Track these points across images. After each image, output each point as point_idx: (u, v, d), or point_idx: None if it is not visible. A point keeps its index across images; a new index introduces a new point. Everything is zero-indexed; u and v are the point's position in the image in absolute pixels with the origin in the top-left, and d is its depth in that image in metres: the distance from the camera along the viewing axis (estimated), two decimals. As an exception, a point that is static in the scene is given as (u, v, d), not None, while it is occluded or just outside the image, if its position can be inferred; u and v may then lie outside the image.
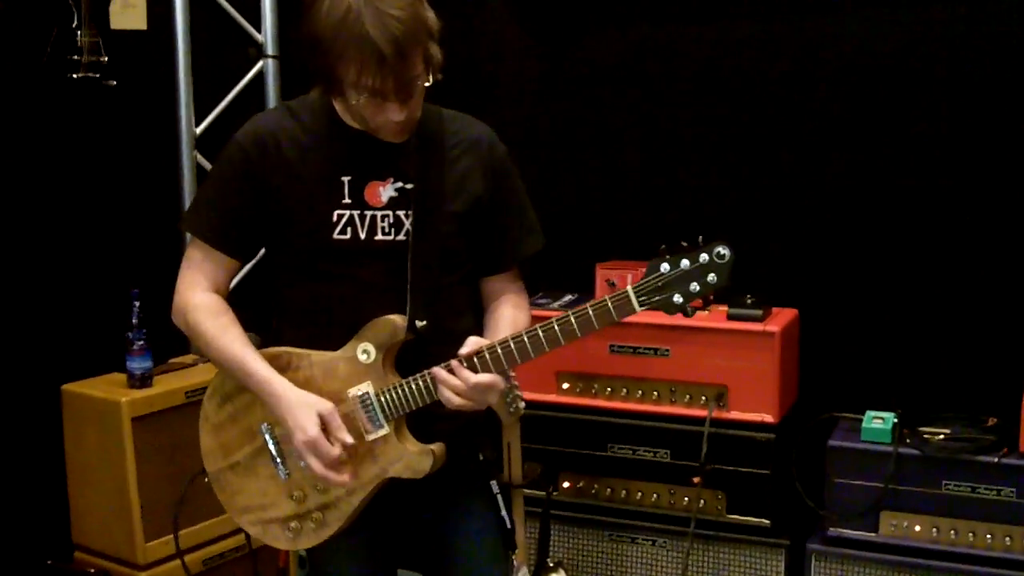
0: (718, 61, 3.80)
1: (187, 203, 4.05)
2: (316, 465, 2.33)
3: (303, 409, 2.34)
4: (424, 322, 2.36)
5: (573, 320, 2.24)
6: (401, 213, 2.38)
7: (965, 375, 3.56)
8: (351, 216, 2.37)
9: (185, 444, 3.60)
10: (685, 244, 2.20)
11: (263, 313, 2.59)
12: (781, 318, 3.49)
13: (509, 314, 2.49)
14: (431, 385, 2.33)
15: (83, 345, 3.82)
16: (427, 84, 2.28)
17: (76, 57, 3.68)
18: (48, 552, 3.75)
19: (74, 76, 3.67)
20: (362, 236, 2.37)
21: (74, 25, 3.67)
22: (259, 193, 2.40)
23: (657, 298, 2.20)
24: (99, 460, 3.57)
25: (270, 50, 4.28)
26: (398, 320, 2.35)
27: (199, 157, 4.10)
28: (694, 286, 2.18)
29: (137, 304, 3.54)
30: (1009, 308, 3.52)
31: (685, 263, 2.18)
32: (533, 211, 2.55)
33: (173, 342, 3.97)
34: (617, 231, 3.97)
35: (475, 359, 2.28)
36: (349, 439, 2.33)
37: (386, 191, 2.39)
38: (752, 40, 3.75)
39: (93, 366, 3.74)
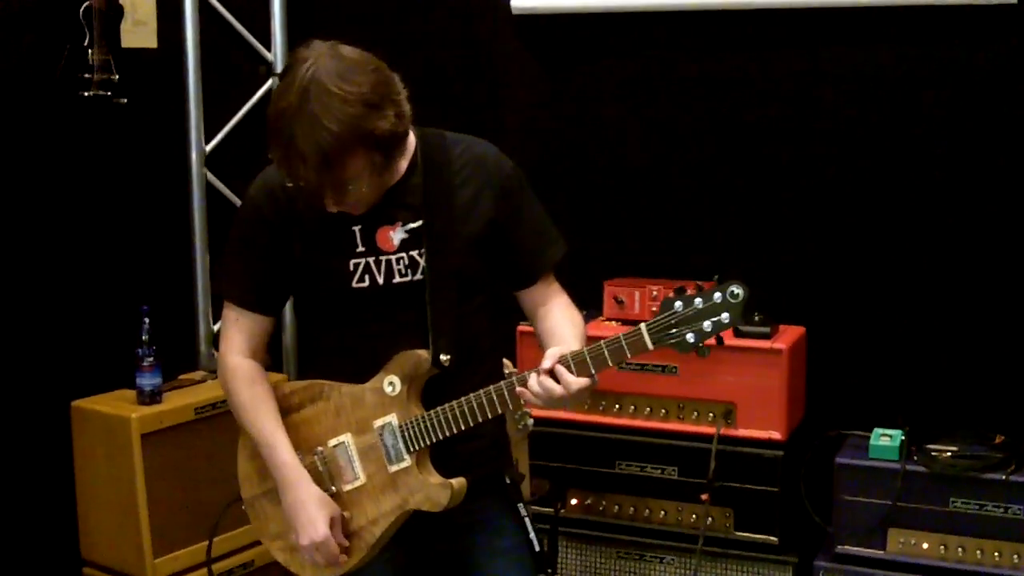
0: (725, 82, 3.81)
1: (197, 220, 4.06)
2: (319, 560, 2.42)
3: (318, 507, 2.40)
4: (448, 356, 2.38)
5: (587, 356, 2.25)
6: (415, 253, 2.39)
7: (973, 392, 3.56)
8: (367, 263, 2.39)
9: (194, 460, 3.63)
10: (701, 284, 2.20)
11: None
12: (789, 335, 3.49)
13: (563, 319, 2.48)
14: (451, 416, 2.35)
15: (93, 361, 3.83)
16: (365, 189, 2.26)
17: (87, 75, 3.70)
18: (57, 568, 3.76)
19: (85, 94, 3.70)
20: (380, 281, 2.39)
21: (85, 43, 3.70)
22: (276, 247, 2.42)
23: (670, 336, 2.21)
24: (108, 476, 3.58)
25: (280, 68, 4.29)
26: (422, 354, 2.37)
27: (209, 175, 4.12)
28: (707, 324, 2.19)
29: (147, 321, 3.55)
30: (1016, 325, 3.52)
31: (698, 301, 2.19)
32: (549, 219, 2.54)
33: (182, 359, 4.00)
34: (625, 249, 3.97)
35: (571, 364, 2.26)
36: (345, 542, 2.42)
37: (396, 234, 2.39)
38: (760, 64, 3.76)
39: (103, 382, 3.75)
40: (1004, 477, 3.17)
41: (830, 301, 3.73)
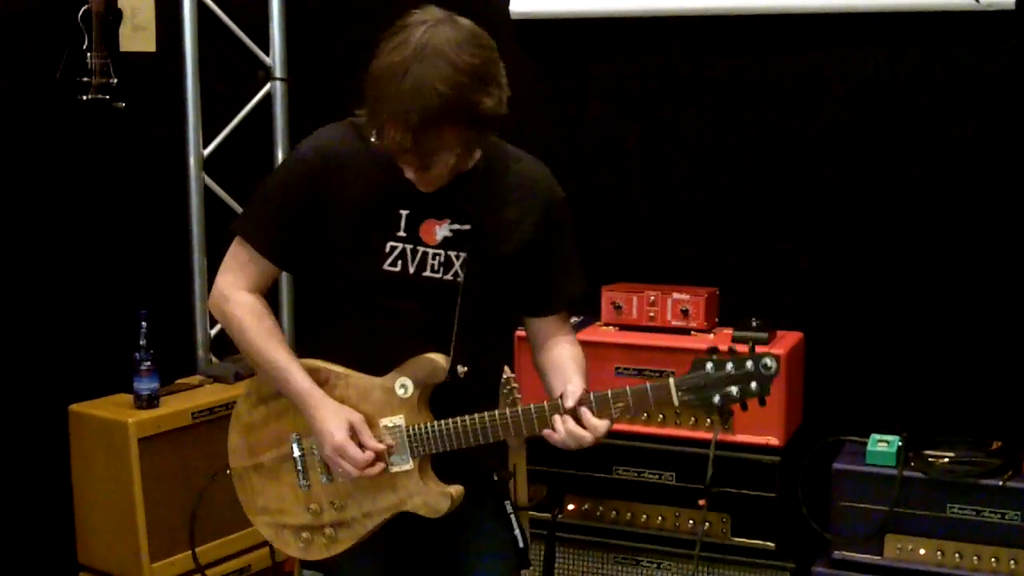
0: (724, 86, 3.82)
1: (195, 224, 4.06)
2: (349, 468, 2.35)
3: (334, 417, 2.36)
4: (466, 368, 2.38)
5: (610, 398, 2.27)
6: (452, 254, 2.37)
7: (970, 399, 3.57)
8: (403, 249, 2.37)
9: (192, 464, 3.62)
10: (732, 348, 2.24)
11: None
12: (786, 341, 3.49)
13: (569, 353, 2.49)
14: (461, 431, 2.35)
15: (90, 366, 3.83)
16: (450, 162, 2.23)
17: (86, 79, 3.70)
18: (54, 572, 3.76)
19: (84, 98, 3.69)
20: (411, 270, 2.37)
21: (84, 47, 3.69)
22: (314, 209, 2.38)
23: (696, 396, 2.24)
24: (105, 480, 3.58)
25: (278, 72, 4.29)
26: (440, 361, 2.35)
27: (207, 179, 4.12)
28: (734, 390, 2.22)
29: (145, 325, 3.55)
30: (1014, 332, 3.52)
31: (729, 367, 2.22)
32: (580, 257, 2.55)
33: (180, 363, 4.00)
34: (623, 254, 3.97)
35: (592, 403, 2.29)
36: (379, 445, 2.35)
37: (441, 230, 2.37)
38: (758, 69, 3.76)
39: (100, 387, 3.75)
40: (1001, 483, 3.17)
41: (828, 307, 3.73)
